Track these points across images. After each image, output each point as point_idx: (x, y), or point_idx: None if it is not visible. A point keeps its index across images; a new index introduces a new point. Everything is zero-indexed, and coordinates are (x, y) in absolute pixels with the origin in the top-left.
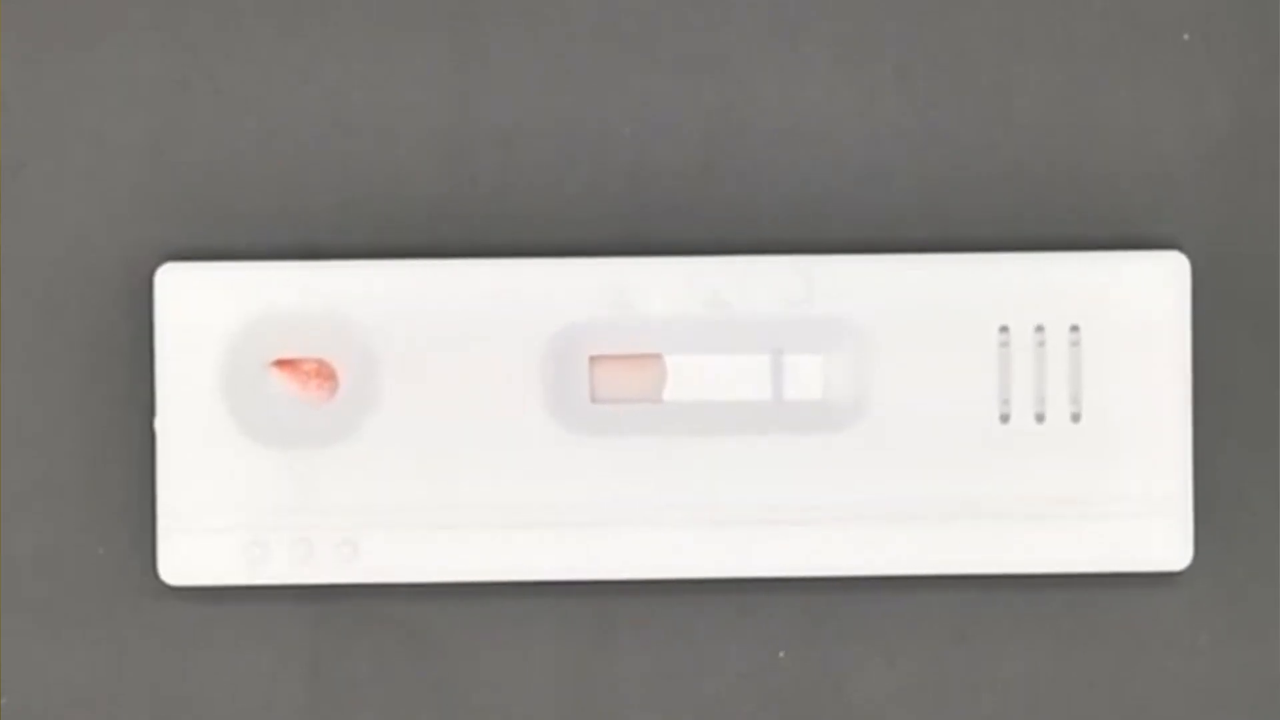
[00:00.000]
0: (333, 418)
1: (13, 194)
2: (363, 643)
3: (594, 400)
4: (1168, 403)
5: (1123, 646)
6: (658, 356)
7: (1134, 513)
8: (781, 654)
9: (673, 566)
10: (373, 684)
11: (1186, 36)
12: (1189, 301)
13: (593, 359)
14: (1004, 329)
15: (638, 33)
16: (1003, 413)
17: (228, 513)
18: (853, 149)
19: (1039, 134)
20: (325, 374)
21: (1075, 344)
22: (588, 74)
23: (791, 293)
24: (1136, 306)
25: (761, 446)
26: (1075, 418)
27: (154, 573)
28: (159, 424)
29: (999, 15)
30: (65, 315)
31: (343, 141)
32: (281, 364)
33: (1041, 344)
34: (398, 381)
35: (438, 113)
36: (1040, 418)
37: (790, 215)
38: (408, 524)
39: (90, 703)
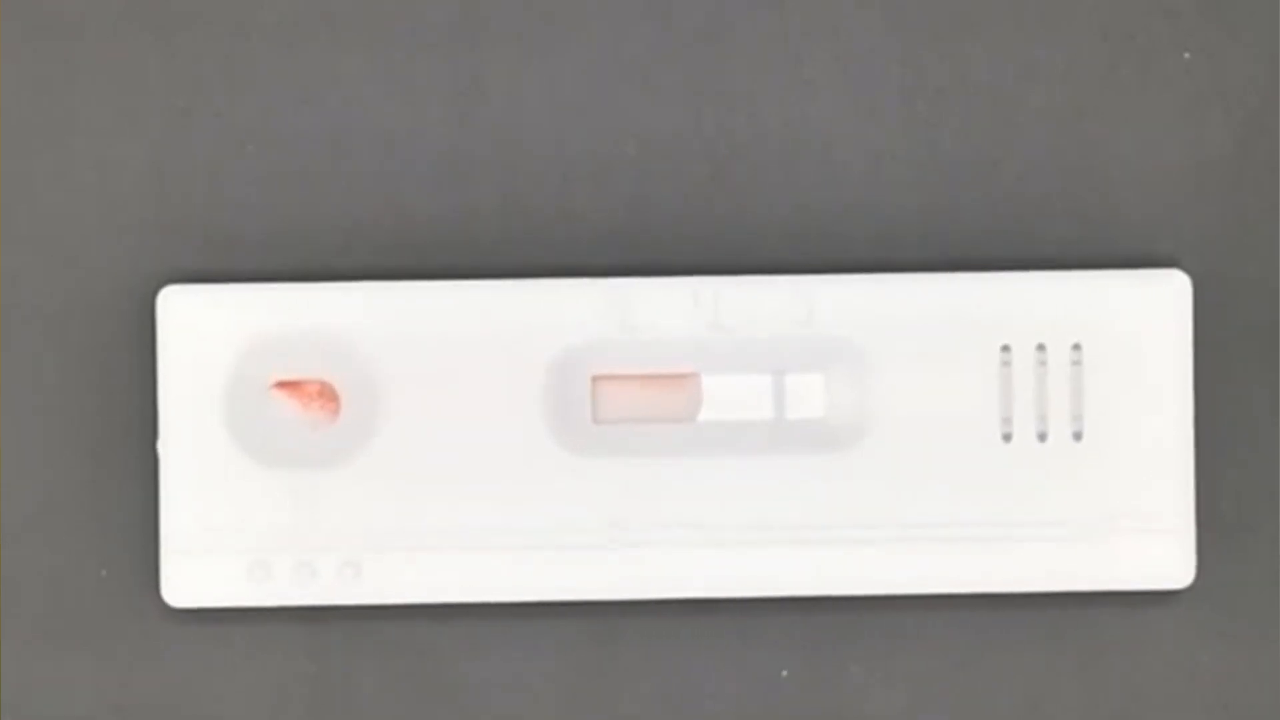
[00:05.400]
0: (335, 439)
1: (16, 217)
2: (365, 663)
3: (596, 421)
4: (1169, 421)
5: (1125, 664)
6: (660, 377)
7: (1136, 531)
8: (784, 673)
9: (675, 586)
10: (375, 704)
11: (1187, 56)
12: (1190, 320)
13: (595, 379)
14: (1005, 348)
15: (640, 54)
16: (1005, 432)
17: (230, 534)
18: (854, 169)
19: (1040, 153)
20: (327, 395)
21: (1077, 363)
22: (590, 95)
23: (793, 313)
24: (1138, 325)
25: (764, 466)
26: (1077, 436)
27: (157, 594)
28: (161, 446)
29: (1000, 35)
30: (68, 338)
31: (344, 164)
32: (284, 386)
33: (1043, 363)
34: (400, 402)
35: (439, 135)
36: (1042, 436)
37: (792, 236)
38: (410, 545)
39: None
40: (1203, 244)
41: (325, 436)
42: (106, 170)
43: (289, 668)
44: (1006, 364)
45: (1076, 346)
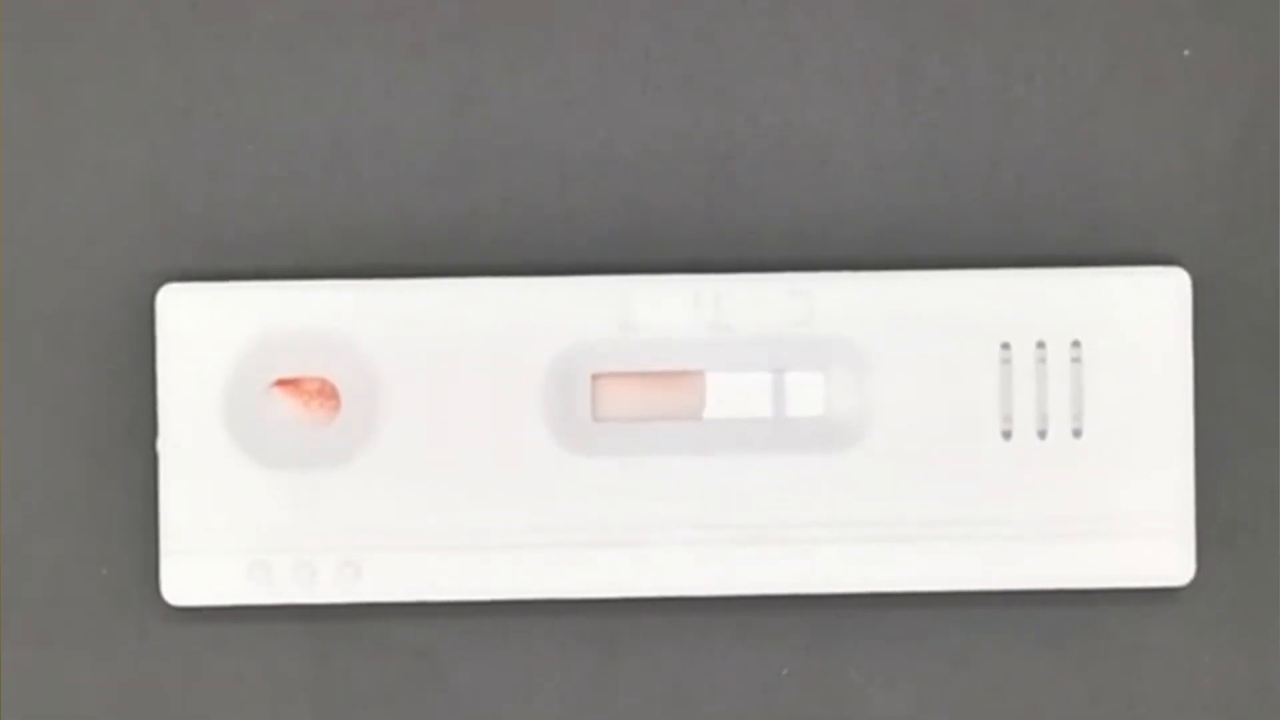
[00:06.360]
0: (335, 438)
1: (15, 217)
2: (366, 663)
3: (596, 419)
4: (1169, 418)
5: (1124, 663)
6: (660, 376)
7: (1136, 529)
8: (785, 671)
9: (675, 585)
10: (376, 704)
11: (1187, 53)
12: (1190, 317)
13: (595, 378)
14: (1005, 345)
15: (640, 54)
16: (1004, 429)
17: (230, 533)
18: (854, 167)
19: (1040, 150)
20: (327, 394)
21: (1077, 360)
22: (590, 95)
23: (793, 311)
24: (1138, 323)
25: (763, 464)
26: (1077, 434)
27: (157, 593)
28: (161, 445)
29: (1000, 35)
30: (67, 337)
31: (344, 164)
32: (283, 384)
33: (1043, 360)
34: (400, 401)
35: (439, 134)
36: (1042, 434)
37: (792, 234)
38: (411, 544)
39: None
40: (1203, 241)
41: (325, 435)
42: (106, 170)
43: (289, 666)
44: (1006, 361)
45: (1076, 344)
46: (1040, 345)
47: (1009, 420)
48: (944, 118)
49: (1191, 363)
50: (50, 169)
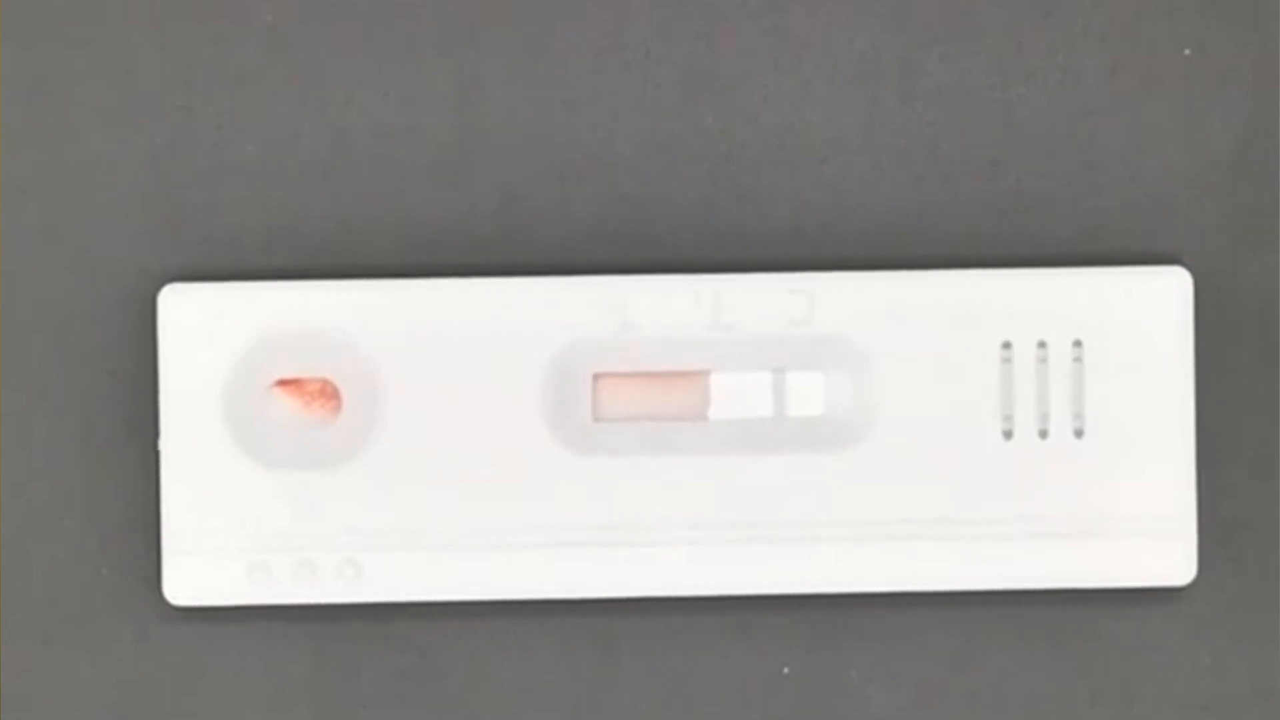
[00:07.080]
0: (336, 438)
1: (15, 217)
2: (367, 662)
3: (597, 419)
4: (1170, 418)
5: (1125, 663)
6: (661, 375)
7: (1137, 529)
8: (785, 670)
9: (676, 584)
10: (377, 704)
11: (1187, 52)
12: (1191, 317)
13: (595, 377)
14: (1006, 345)
15: (640, 55)
16: (1005, 429)
17: (231, 533)
18: (854, 167)
19: (1040, 150)
20: (328, 394)
21: (1078, 360)
22: (589, 95)
23: (793, 310)
24: (1139, 322)
25: (764, 464)
26: (1078, 434)
27: (158, 593)
28: (162, 445)
29: (999, 35)
30: (68, 337)
31: (344, 164)
32: (284, 384)
33: (1044, 360)
34: (401, 401)
35: (439, 134)
36: (1043, 434)
37: (792, 233)
38: (411, 544)
39: None
40: (1204, 240)
41: (326, 435)
42: (106, 170)
43: (290, 666)
44: (1007, 361)
45: (1078, 343)
46: (1041, 345)
47: (1010, 420)
48: (944, 118)
49: (1192, 362)
50: (50, 169)
